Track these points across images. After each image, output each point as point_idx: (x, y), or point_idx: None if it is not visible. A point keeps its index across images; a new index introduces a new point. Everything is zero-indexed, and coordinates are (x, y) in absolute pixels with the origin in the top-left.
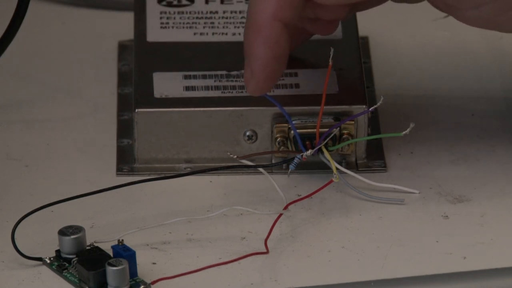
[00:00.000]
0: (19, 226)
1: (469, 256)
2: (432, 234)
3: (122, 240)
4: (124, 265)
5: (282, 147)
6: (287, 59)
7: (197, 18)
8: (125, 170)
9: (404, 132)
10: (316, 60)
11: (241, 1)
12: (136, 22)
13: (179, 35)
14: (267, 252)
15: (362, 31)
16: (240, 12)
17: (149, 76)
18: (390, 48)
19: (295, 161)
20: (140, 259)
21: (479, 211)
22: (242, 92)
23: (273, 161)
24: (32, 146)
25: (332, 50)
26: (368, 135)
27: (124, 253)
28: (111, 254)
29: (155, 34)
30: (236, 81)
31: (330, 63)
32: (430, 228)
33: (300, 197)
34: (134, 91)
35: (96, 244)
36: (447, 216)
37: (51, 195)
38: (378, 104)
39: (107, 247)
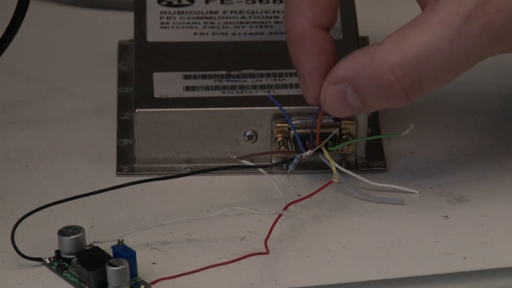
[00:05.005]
0: (19, 226)
1: (469, 256)
2: (432, 234)
3: (122, 240)
4: (125, 265)
5: (282, 147)
6: (335, 59)
7: (197, 18)
8: (125, 170)
9: (404, 133)
10: None
11: (241, 1)
12: (136, 22)
13: (179, 35)
14: (267, 252)
15: (362, 31)
16: (240, 12)
17: (149, 76)
18: None
19: (295, 161)
20: (140, 259)
21: (479, 211)
22: (242, 92)
23: (273, 161)
24: (32, 146)
25: None
26: (368, 135)
27: (124, 253)
28: (111, 254)
29: (155, 34)
30: (236, 81)
31: None
32: (430, 228)
33: (300, 197)
34: (134, 91)
35: (96, 244)
36: (447, 216)
37: (51, 195)
38: None
39: (107, 247)
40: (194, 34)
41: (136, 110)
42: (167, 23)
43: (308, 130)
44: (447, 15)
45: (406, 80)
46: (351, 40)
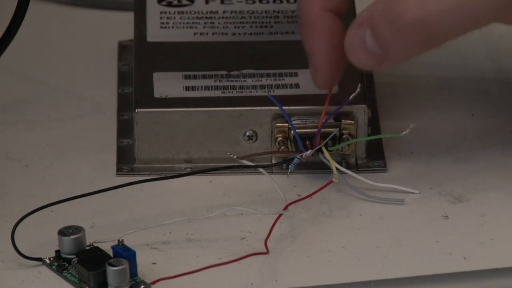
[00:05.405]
0: (19, 226)
1: (469, 256)
2: (432, 234)
3: (122, 240)
4: (125, 265)
5: (282, 147)
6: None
7: (197, 18)
8: (125, 170)
9: (404, 133)
10: None
11: (241, 1)
12: (136, 22)
13: (179, 35)
14: (267, 252)
15: None
16: (240, 12)
17: (149, 76)
18: None
19: (295, 161)
20: (140, 259)
21: (479, 211)
22: (242, 92)
23: (273, 161)
24: (32, 146)
25: None
26: (368, 135)
27: (124, 253)
28: (111, 254)
29: (155, 34)
30: (236, 81)
31: None
32: (430, 228)
33: (300, 197)
34: (134, 91)
35: (96, 244)
36: (447, 216)
37: (51, 195)
38: (356, 92)
39: (107, 247)
40: (194, 34)
41: (136, 110)
42: (167, 23)
43: (308, 130)
44: None
45: (422, 21)
46: None
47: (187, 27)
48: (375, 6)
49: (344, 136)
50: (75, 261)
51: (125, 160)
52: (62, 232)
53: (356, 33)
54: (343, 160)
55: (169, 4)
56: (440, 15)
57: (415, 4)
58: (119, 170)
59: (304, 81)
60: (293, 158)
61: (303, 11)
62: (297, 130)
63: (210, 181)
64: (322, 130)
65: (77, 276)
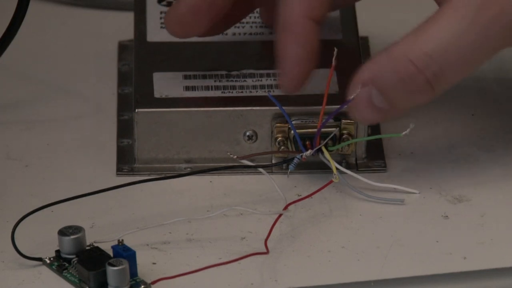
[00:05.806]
0: (19, 226)
1: (469, 256)
2: (432, 234)
3: (122, 240)
4: (125, 265)
5: (282, 147)
6: (318, 55)
7: None
8: (125, 170)
9: (404, 133)
10: None
11: None
12: (136, 22)
13: None
14: (267, 252)
15: (362, 31)
16: None
17: (149, 76)
18: None
19: (295, 161)
20: (140, 259)
21: (479, 211)
22: (242, 92)
23: (273, 161)
24: (32, 146)
25: (335, 50)
26: (368, 135)
27: (124, 253)
28: (111, 254)
29: (155, 34)
30: (236, 81)
31: (334, 63)
32: (430, 228)
33: (300, 197)
34: (134, 91)
35: (96, 244)
36: (447, 216)
37: (51, 195)
38: (356, 93)
39: (107, 247)
40: None
41: (136, 110)
42: None
43: (308, 130)
44: (461, 7)
45: (428, 70)
46: (351, 40)
47: None
48: (379, 65)
49: (344, 136)
50: (75, 261)
51: (125, 160)
52: (62, 232)
53: (360, 93)
54: (343, 160)
55: (169, 4)
56: (452, 71)
57: (424, 61)
58: (119, 170)
59: None
60: (293, 158)
61: (283, 15)
62: (297, 130)
63: (210, 181)
64: (322, 130)
65: (77, 276)
